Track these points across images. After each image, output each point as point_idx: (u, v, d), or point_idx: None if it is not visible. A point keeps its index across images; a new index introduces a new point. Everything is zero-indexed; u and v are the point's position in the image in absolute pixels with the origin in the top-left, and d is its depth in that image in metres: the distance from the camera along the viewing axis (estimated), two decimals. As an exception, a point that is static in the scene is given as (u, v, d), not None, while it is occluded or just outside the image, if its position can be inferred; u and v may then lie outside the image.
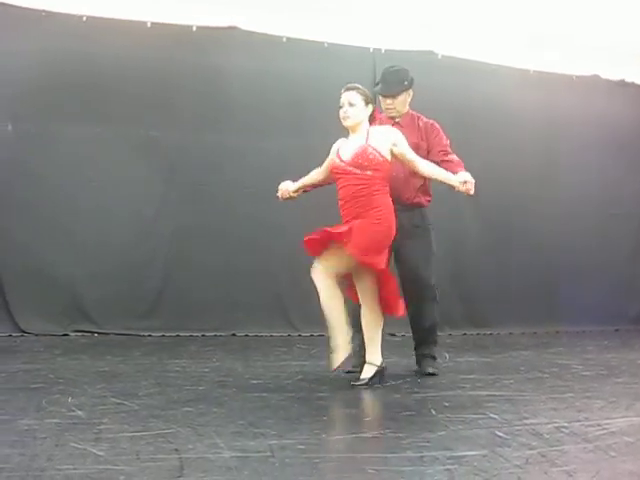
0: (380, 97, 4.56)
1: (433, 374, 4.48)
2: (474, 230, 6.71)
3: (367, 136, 4.14)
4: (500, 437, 3.04)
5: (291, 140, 6.43)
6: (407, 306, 4.29)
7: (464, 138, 6.81)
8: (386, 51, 6.69)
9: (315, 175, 4.47)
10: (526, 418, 3.39)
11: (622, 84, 7.60)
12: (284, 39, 6.42)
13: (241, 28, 6.29)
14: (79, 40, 5.89)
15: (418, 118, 4.59)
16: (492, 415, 3.45)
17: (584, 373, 4.83)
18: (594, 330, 7.16)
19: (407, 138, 4.19)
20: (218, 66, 6.27)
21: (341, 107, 4.22)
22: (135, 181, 6.10)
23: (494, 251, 6.83)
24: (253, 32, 6.33)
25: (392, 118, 4.55)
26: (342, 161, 4.14)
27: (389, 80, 4.54)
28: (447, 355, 5.27)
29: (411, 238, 4.39)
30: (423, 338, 4.62)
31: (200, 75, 6.23)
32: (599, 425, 3.27)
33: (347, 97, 4.21)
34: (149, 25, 6.06)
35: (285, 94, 6.40)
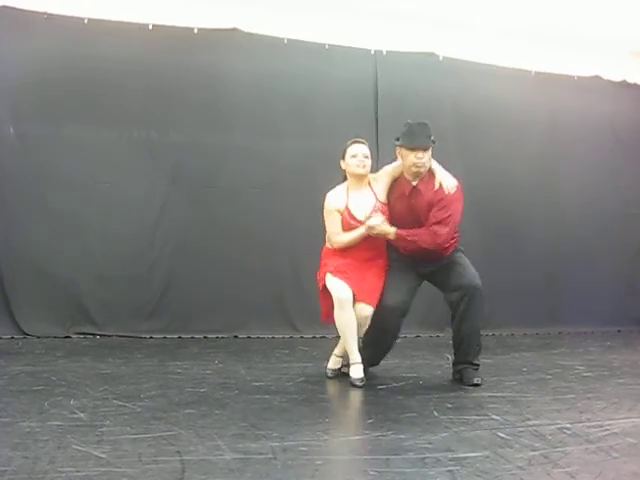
0: (405, 151, 4.27)
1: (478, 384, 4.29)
2: (475, 231, 6.70)
3: (372, 190, 4.41)
4: (502, 438, 3.04)
5: (293, 141, 6.43)
6: (452, 317, 4.37)
7: (466, 140, 6.85)
8: (387, 53, 6.69)
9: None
10: (528, 419, 3.40)
11: (624, 85, 7.59)
12: (285, 41, 6.42)
13: (242, 30, 6.29)
14: (81, 42, 5.89)
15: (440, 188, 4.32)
16: (494, 416, 3.45)
17: (586, 374, 4.82)
18: (596, 331, 7.16)
19: (422, 199, 4.27)
20: (219, 68, 6.27)
21: (354, 156, 4.37)
22: (138, 183, 6.10)
23: (496, 252, 6.82)
24: (254, 34, 6.33)
25: (415, 176, 4.31)
26: (357, 221, 4.35)
27: (420, 132, 4.26)
28: (449, 356, 5.26)
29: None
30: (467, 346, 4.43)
31: (202, 77, 6.23)
32: (601, 426, 3.27)
33: (362, 149, 4.40)
34: (150, 27, 6.06)
35: (286, 95, 6.40)
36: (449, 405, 3.71)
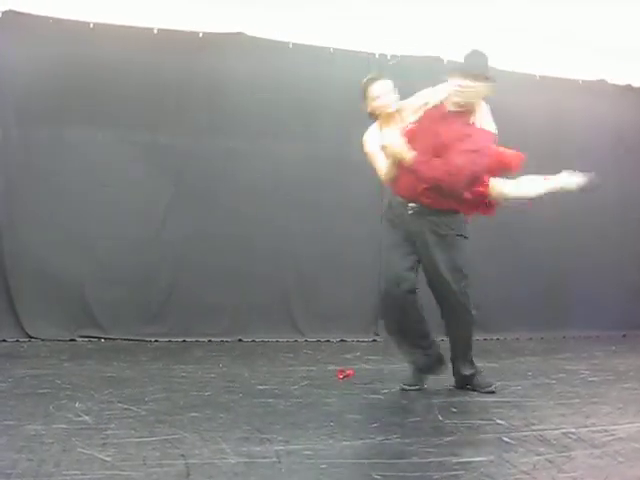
0: (454, 78, 4.01)
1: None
2: (480, 234, 6.68)
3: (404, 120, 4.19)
4: (507, 443, 3.03)
5: (298, 145, 6.43)
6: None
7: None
8: (392, 56, 6.69)
9: None
10: (533, 424, 3.39)
11: (629, 89, 7.58)
12: (290, 45, 6.43)
13: (247, 34, 6.30)
14: (87, 47, 5.90)
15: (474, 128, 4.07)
16: (499, 421, 3.44)
17: (591, 379, 4.81)
18: (601, 335, 7.14)
19: (450, 127, 3.97)
20: (224, 72, 6.28)
21: (378, 97, 4.15)
22: (142, 186, 6.11)
23: (501, 256, 6.81)
24: (259, 38, 6.34)
25: (456, 104, 4.01)
26: None
27: (475, 62, 3.99)
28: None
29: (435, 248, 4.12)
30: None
31: (207, 81, 6.24)
32: (606, 431, 3.26)
33: (384, 87, 4.18)
34: (156, 32, 6.08)
35: (291, 99, 6.41)
36: (454, 409, 3.71)
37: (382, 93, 4.15)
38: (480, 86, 3.97)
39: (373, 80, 4.21)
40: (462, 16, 6.66)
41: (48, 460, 2.60)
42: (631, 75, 7.53)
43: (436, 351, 4.30)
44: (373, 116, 4.24)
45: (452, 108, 4.05)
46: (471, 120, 4.04)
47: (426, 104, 4.11)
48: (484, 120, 4.06)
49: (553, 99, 7.17)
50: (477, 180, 4.05)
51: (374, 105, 4.17)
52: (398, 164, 4.04)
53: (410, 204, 4.08)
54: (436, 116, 4.05)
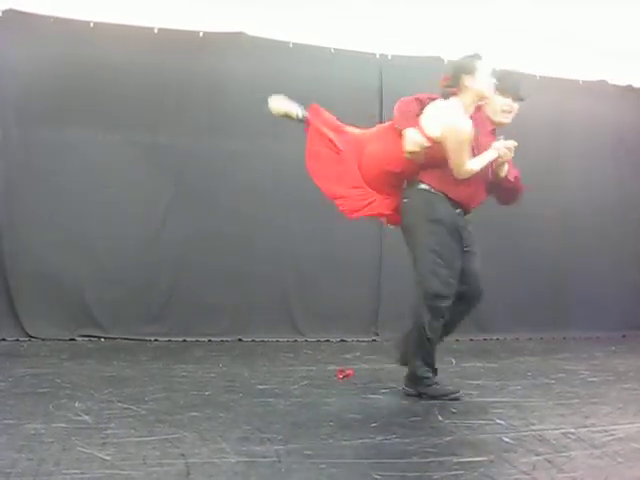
0: (502, 97, 4.09)
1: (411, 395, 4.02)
2: (480, 234, 6.68)
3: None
4: (507, 443, 3.03)
5: (298, 144, 6.41)
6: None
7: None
8: (393, 57, 6.70)
9: None
10: (533, 424, 3.39)
11: (630, 89, 7.58)
12: (290, 45, 6.43)
13: (247, 34, 6.30)
14: (87, 46, 5.90)
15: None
16: (499, 421, 3.44)
17: (591, 379, 4.81)
18: (601, 336, 7.14)
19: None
20: (225, 72, 6.28)
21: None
22: (143, 186, 6.11)
23: (501, 256, 6.80)
24: (259, 38, 6.34)
25: (498, 125, 4.18)
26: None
27: (522, 84, 4.16)
28: (453, 360, 5.26)
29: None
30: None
31: (207, 81, 6.24)
32: (606, 431, 3.26)
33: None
34: (156, 31, 6.08)
35: (294, 99, 6.39)
36: (453, 409, 3.71)
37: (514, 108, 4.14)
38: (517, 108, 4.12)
39: (480, 58, 4.05)
40: (462, 16, 6.66)
41: (48, 459, 2.60)
42: (632, 76, 7.52)
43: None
44: (452, 92, 3.98)
45: (493, 126, 4.15)
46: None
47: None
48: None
49: (553, 99, 7.16)
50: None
51: (482, 86, 3.98)
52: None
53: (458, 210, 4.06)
54: (486, 131, 4.08)
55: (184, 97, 6.19)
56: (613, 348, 6.49)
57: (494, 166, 4.04)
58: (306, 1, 6.38)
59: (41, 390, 3.86)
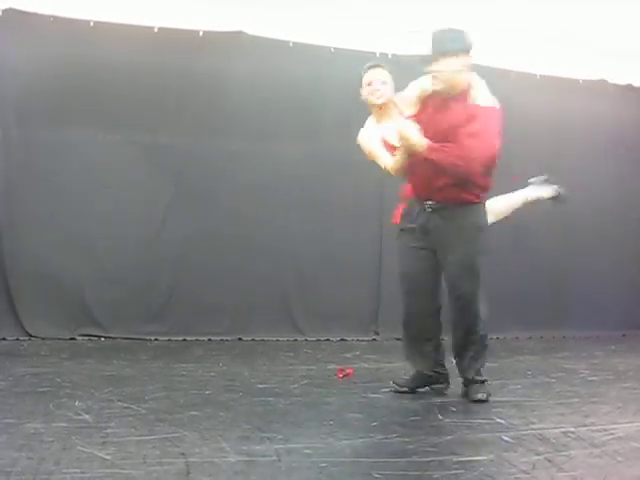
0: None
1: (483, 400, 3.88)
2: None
3: (401, 113, 3.94)
4: (507, 442, 3.03)
5: (298, 144, 6.44)
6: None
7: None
8: (393, 56, 6.69)
9: None
10: (533, 423, 3.39)
11: (629, 89, 7.58)
12: (290, 44, 6.43)
13: (247, 33, 6.30)
14: (87, 45, 5.91)
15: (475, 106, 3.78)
16: (499, 420, 3.44)
17: (591, 378, 4.81)
18: (601, 335, 7.14)
19: (450, 113, 3.75)
20: (225, 71, 6.28)
21: (369, 84, 3.95)
22: (143, 186, 6.12)
23: (501, 254, 6.79)
24: (259, 37, 6.34)
25: (440, 94, 3.79)
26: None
27: (442, 38, 3.78)
28: (453, 360, 5.25)
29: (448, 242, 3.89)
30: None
31: (207, 80, 6.25)
32: (606, 430, 3.26)
33: (377, 75, 3.98)
34: (156, 30, 6.08)
35: (292, 99, 6.41)
36: (453, 409, 3.71)
37: (375, 81, 3.98)
38: (453, 64, 3.73)
39: (371, 67, 4.05)
40: (462, 15, 6.64)
41: (48, 458, 2.60)
42: (632, 75, 7.52)
43: None
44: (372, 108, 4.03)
45: (445, 95, 3.81)
46: (470, 99, 3.80)
47: (418, 96, 3.92)
48: (481, 96, 3.82)
49: (554, 98, 7.17)
50: (493, 163, 3.83)
51: (364, 92, 4.00)
52: (410, 157, 3.80)
53: (427, 202, 3.88)
54: (436, 104, 3.84)
55: (184, 95, 6.20)
56: (613, 347, 6.50)
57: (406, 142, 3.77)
58: (306, 0, 6.38)
59: (41, 389, 3.86)
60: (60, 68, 5.85)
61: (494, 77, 6.88)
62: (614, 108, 7.41)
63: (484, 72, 7.21)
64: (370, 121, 4.06)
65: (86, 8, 5.93)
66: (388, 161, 3.91)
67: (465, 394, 3.96)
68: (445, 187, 3.81)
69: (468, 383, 3.98)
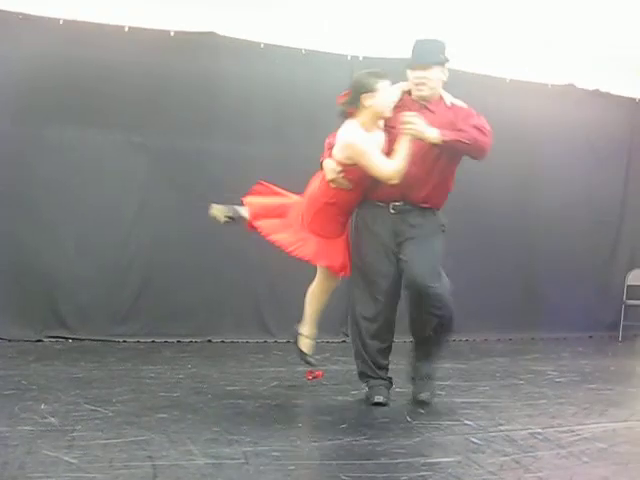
0: (409, 72, 3.93)
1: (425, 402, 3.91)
2: (451, 235, 6.73)
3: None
4: (475, 443, 3.05)
5: (272, 145, 6.42)
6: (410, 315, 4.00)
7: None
8: (364, 58, 6.70)
9: None
10: (501, 424, 3.42)
11: (597, 94, 7.68)
12: (262, 45, 6.41)
13: (218, 34, 6.27)
14: (56, 43, 5.83)
15: (454, 106, 3.94)
16: (467, 422, 3.47)
17: (558, 379, 4.87)
18: (569, 337, 7.23)
19: (434, 118, 3.79)
20: (196, 71, 6.24)
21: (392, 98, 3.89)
22: (114, 187, 6.05)
23: (470, 258, 6.85)
24: (230, 37, 6.32)
25: (422, 99, 3.89)
26: None
27: (422, 50, 3.91)
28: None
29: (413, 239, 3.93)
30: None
31: (178, 80, 6.19)
32: (572, 431, 3.30)
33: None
34: (126, 29, 6.03)
35: (265, 99, 6.40)
36: (422, 410, 3.73)
37: (392, 95, 3.91)
38: (434, 73, 3.88)
39: (382, 77, 3.88)
40: (431, 18, 6.68)
41: (12, 462, 2.56)
42: (599, 80, 7.62)
43: None
44: (350, 111, 3.90)
45: (422, 102, 3.91)
46: (444, 102, 3.93)
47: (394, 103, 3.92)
48: (454, 99, 3.97)
49: (522, 102, 7.24)
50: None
51: (382, 106, 3.85)
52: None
53: (394, 203, 3.90)
54: (415, 109, 3.85)
55: (155, 96, 6.12)
56: (580, 349, 6.59)
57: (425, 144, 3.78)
58: (278, 2, 6.37)
59: (6, 392, 3.80)
60: (30, 66, 5.77)
61: (464, 81, 6.99)
62: (582, 112, 7.50)
63: (454, 76, 7.29)
64: (353, 125, 3.88)
65: (55, 6, 5.85)
66: (391, 165, 3.77)
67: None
68: (432, 189, 3.91)
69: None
